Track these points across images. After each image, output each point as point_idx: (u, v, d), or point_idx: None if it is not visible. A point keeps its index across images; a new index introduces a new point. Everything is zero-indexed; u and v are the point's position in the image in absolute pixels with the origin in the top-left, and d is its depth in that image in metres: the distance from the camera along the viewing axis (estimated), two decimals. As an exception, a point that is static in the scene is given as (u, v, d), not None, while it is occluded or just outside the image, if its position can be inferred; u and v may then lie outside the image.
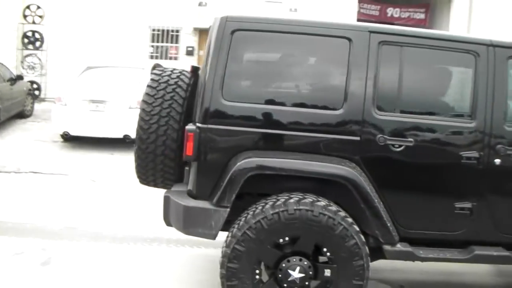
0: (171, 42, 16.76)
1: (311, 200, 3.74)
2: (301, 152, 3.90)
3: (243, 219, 3.76)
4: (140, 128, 4.18)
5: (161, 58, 16.45)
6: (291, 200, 3.72)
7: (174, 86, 4.23)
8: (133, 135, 9.83)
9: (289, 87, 4.08)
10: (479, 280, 5.29)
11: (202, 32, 16.64)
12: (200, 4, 16.22)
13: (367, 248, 3.81)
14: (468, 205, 4.01)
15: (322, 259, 3.91)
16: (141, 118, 4.18)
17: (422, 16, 18.89)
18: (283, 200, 3.73)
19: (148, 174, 4.35)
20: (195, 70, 4.63)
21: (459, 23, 16.93)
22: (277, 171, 3.83)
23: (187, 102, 4.26)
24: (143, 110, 4.19)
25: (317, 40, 3.96)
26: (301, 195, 3.78)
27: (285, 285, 3.79)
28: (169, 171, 4.29)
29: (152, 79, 4.30)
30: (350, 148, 3.90)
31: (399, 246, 3.94)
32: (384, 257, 4.01)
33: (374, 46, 3.92)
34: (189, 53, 16.66)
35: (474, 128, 3.99)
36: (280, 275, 3.79)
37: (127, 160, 9.84)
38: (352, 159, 3.88)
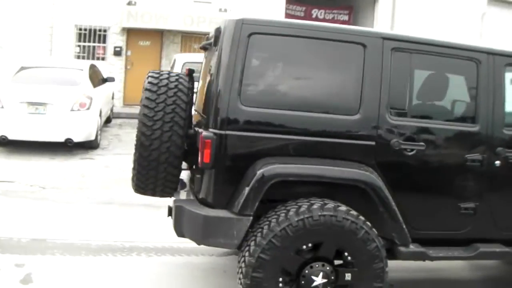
0: (98, 42, 16.16)
1: (333, 205, 3.75)
2: (318, 157, 3.90)
3: (266, 227, 3.70)
4: (142, 134, 3.99)
5: (88, 58, 15.81)
6: (314, 206, 3.71)
7: (175, 90, 4.08)
8: (75, 138, 9.66)
9: (306, 92, 4.04)
10: (459, 274, 5.55)
11: (130, 32, 16.22)
12: (129, 3, 15.73)
13: (385, 250, 3.89)
14: (472, 205, 4.20)
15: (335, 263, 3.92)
16: (143, 124, 3.99)
17: (346, 17, 19.48)
18: (305, 206, 3.71)
19: (148, 183, 4.18)
20: (190, 73, 4.50)
21: (383, 24, 17.64)
22: (301, 177, 3.82)
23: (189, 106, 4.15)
24: (144, 115, 4.00)
25: (333, 45, 3.97)
26: (320, 201, 3.78)
27: (307, 291, 3.79)
28: (171, 179, 4.15)
29: (150, 83, 4.11)
30: (366, 153, 3.96)
31: (412, 247, 4.05)
32: (394, 258, 4.10)
33: (387, 52, 3.99)
34: (117, 53, 16.14)
35: (477, 131, 4.18)
36: (303, 282, 3.77)
37: (69, 164, 9.47)
38: (368, 164, 3.94)
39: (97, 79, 11.53)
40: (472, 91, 4.22)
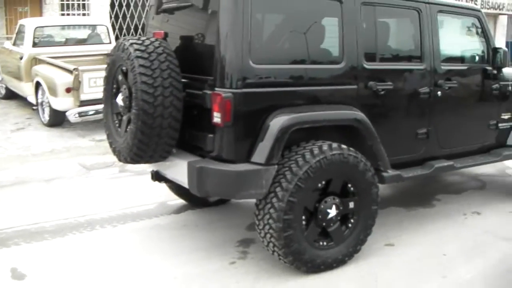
0: None
1: (337, 145, 4.28)
2: (317, 104, 4.36)
3: (287, 172, 4.08)
4: (144, 102, 4.06)
5: None
6: (324, 148, 4.19)
7: (164, 55, 4.17)
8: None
9: (300, 46, 4.37)
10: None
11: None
12: None
13: (376, 177, 4.55)
14: (425, 130, 5.09)
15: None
16: (144, 92, 4.05)
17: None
18: (317, 149, 4.17)
19: (148, 150, 4.25)
20: (165, 37, 4.55)
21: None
22: (314, 123, 4.26)
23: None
24: (144, 83, 4.05)
25: (317, 1, 4.41)
26: (322, 142, 4.26)
27: (324, 224, 4.31)
28: (170, 143, 4.29)
29: (138, 50, 4.14)
30: (351, 96, 4.53)
31: (390, 172, 4.76)
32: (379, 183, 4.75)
33: (357, 7, 4.54)
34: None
35: (424, 69, 5.00)
36: (320, 216, 4.28)
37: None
38: (354, 105, 4.51)
39: None
40: (417, 36, 5.02)
